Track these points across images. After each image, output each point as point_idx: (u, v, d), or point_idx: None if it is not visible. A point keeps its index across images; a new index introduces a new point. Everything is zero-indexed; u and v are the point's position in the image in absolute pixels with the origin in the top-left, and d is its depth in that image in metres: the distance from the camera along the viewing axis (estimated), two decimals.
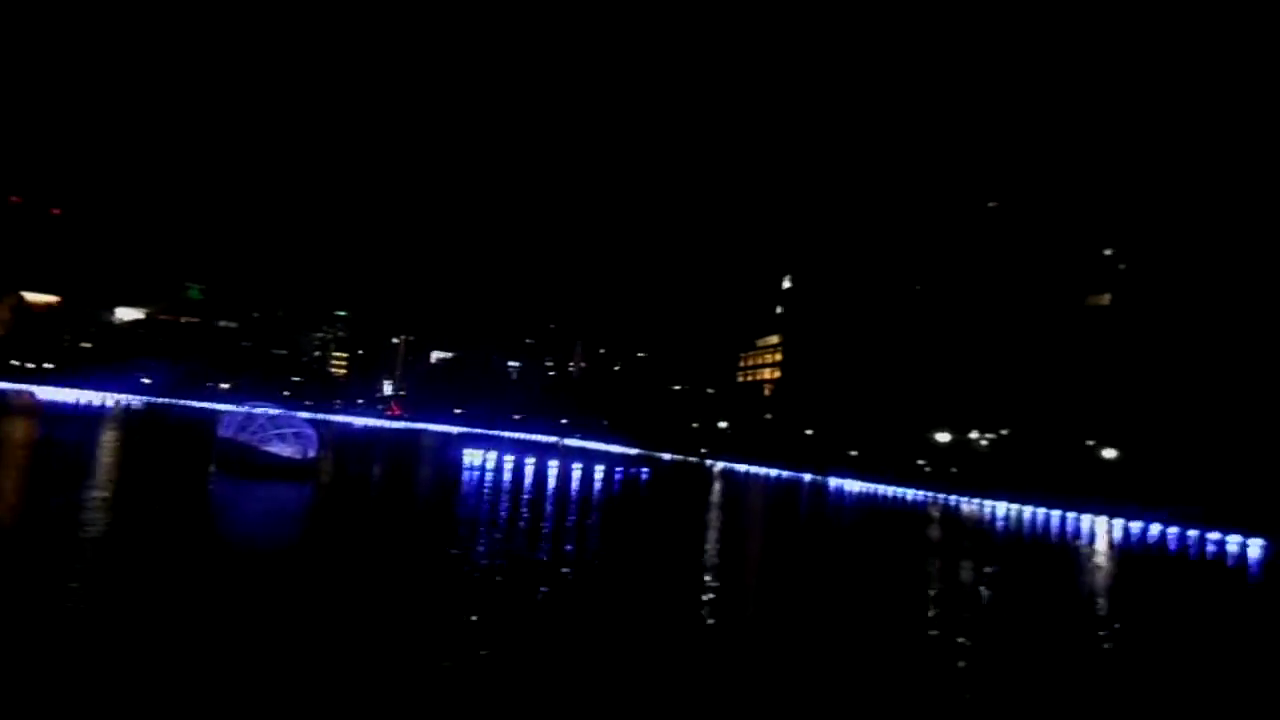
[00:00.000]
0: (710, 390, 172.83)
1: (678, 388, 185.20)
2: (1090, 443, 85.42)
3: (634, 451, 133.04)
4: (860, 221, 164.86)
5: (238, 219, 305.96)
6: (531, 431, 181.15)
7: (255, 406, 39.67)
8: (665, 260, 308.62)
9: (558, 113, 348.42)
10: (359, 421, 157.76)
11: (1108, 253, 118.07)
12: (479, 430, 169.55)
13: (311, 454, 37.45)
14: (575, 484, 46.30)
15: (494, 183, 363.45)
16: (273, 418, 38.36)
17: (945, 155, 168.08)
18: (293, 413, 41.41)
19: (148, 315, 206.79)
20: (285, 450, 37.13)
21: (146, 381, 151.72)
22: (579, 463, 65.79)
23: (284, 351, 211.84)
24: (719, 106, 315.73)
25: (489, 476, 45.75)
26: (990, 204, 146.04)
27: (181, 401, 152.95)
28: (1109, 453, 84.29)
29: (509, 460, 59.28)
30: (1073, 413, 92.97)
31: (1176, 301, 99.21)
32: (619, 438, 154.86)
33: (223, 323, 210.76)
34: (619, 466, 67.81)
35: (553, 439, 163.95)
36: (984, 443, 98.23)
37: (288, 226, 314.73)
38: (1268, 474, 68.91)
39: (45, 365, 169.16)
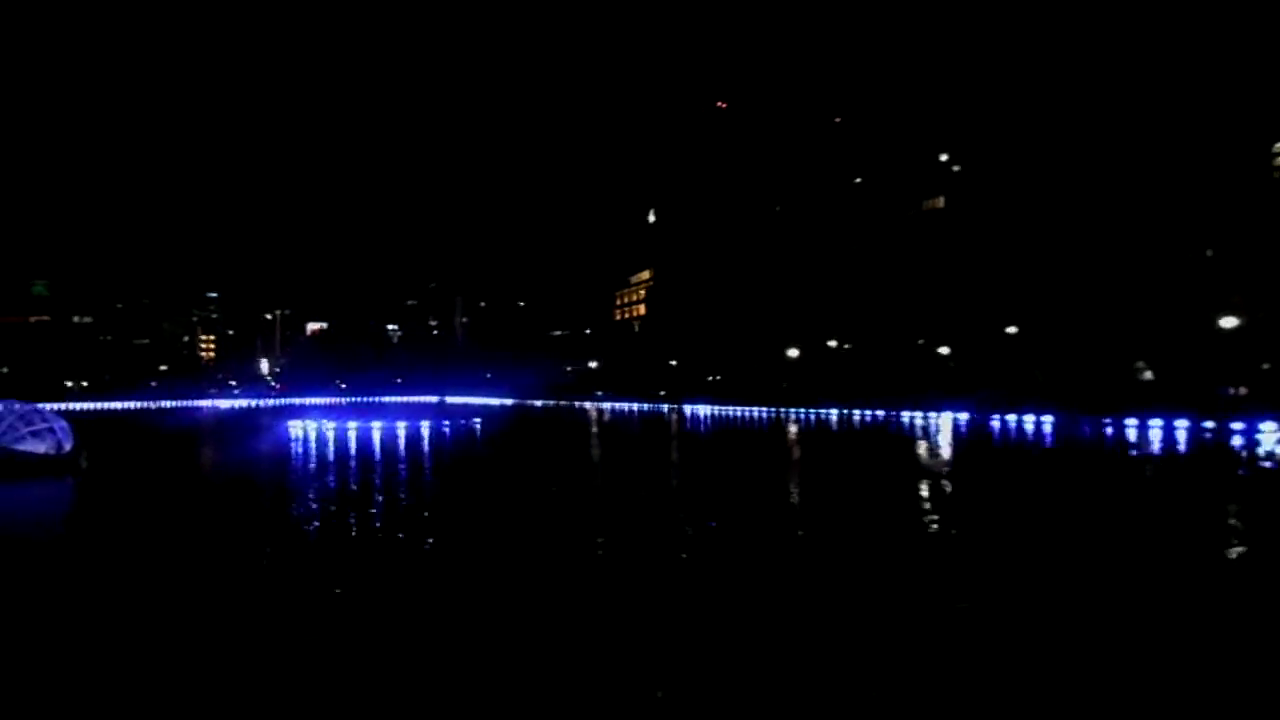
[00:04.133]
0: (588, 331, 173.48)
1: (557, 333, 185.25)
2: (921, 341, 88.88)
3: (510, 401, 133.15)
4: (720, 148, 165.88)
5: (85, 207, 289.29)
6: (415, 393, 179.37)
7: (2, 403, 38.06)
8: (539, 204, 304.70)
9: (417, 71, 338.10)
10: (225, 404, 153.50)
11: (943, 157, 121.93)
12: (361, 398, 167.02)
13: (68, 447, 36.40)
14: (385, 445, 46.07)
15: (358, 145, 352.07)
16: (22, 414, 36.96)
17: (793, 76, 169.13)
18: (41, 406, 39.93)
19: None
20: (39, 447, 36.00)
21: None
22: (424, 420, 65.34)
23: (147, 340, 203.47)
24: (572, 52, 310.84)
25: (292, 450, 45.08)
26: (836, 119, 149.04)
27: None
28: (943, 350, 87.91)
29: (337, 426, 58.46)
30: (912, 315, 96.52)
31: (1004, 201, 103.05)
32: (499, 389, 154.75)
33: (77, 318, 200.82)
34: (447, 420, 67.63)
35: (435, 398, 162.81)
36: (832, 354, 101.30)
37: (144, 210, 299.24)
38: (1080, 356, 73.15)
39: None
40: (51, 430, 36.43)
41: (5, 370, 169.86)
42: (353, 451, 41.70)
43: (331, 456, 39.52)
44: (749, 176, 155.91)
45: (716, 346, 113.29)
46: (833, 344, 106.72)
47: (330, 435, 52.30)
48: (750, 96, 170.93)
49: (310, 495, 26.27)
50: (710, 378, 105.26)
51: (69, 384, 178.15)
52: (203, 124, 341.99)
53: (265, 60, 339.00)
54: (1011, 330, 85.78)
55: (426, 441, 47.67)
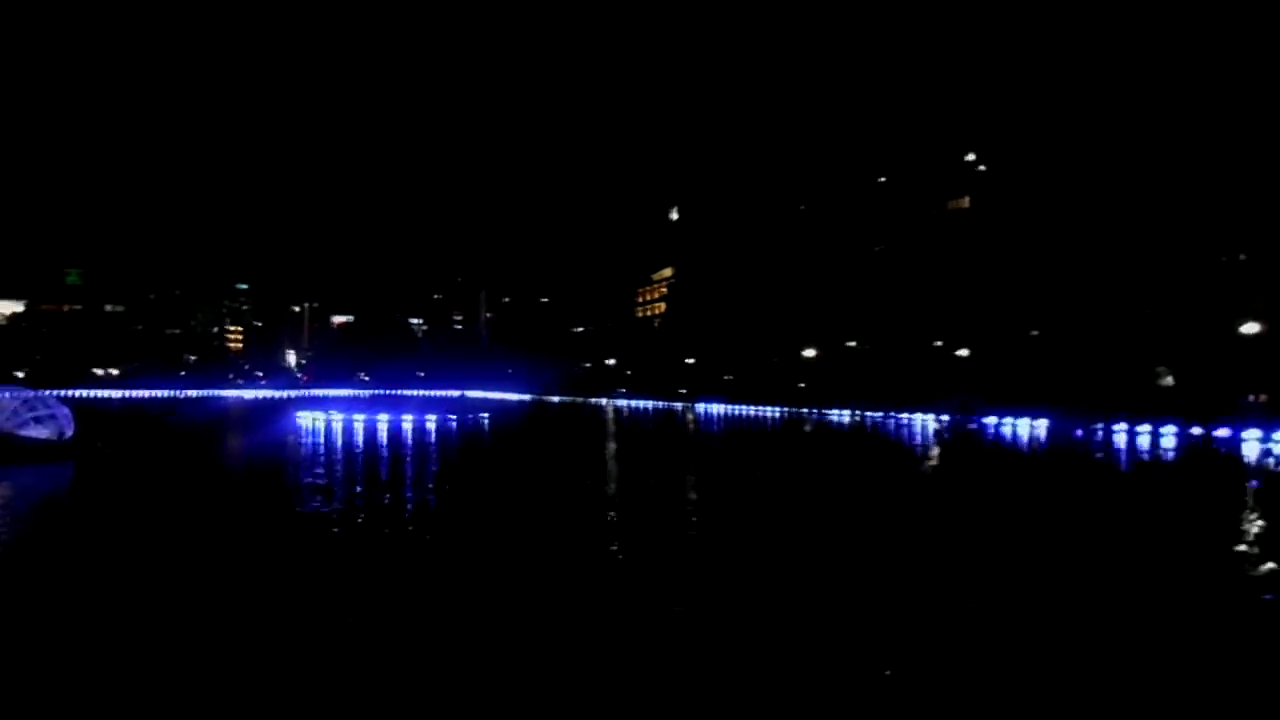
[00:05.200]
0: (609, 328, 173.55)
1: (579, 329, 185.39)
2: (939, 344, 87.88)
3: (528, 397, 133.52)
4: (744, 145, 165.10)
5: (121, 198, 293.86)
6: (437, 387, 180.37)
7: (4, 390, 38.61)
8: (564, 201, 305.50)
9: (447, 68, 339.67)
10: (250, 394, 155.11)
11: (969, 157, 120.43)
12: (383, 391, 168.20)
13: (68, 434, 36.82)
14: (391, 439, 46.28)
15: (388, 141, 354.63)
16: (25, 400, 37.44)
17: (820, 74, 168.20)
18: (44, 393, 40.52)
19: (27, 308, 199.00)
20: (42, 433, 36.45)
21: (19, 375, 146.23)
22: (432, 415, 65.46)
23: (177, 330, 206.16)
24: (598, 49, 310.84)
25: (299, 442, 45.39)
26: (862, 118, 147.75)
27: (63, 392, 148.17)
28: (962, 352, 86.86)
29: (341, 418, 58.79)
30: (932, 317, 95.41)
31: (1030, 202, 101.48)
32: (519, 385, 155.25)
33: (109, 307, 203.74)
34: (455, 415, 67.73)
35: (456, 393, 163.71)
36: (849, 355, 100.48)
37: (178, 202, 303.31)
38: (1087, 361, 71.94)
39: None
40: (54, 417, 36.86)
41: (38, 357, 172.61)
42: (357, 443, 41.93)
43: (331, 448, 39.76)
44: (773, 175, 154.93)
45: (735, 346, 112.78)
46: (852, 345, 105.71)
47: (339, 427, 52.61)
48: (776, 94, 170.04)
49: (298, 486, 26.34)
50: (726, 377, 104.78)
51: (98, 371, 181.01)
52: (239, 119, 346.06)
53: (301, 57, 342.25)
54: (1034, 333, 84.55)
55: (430, 436, 47.78)
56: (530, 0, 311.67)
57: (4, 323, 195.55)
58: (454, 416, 64.61)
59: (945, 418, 64.98)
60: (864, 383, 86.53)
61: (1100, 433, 48.55)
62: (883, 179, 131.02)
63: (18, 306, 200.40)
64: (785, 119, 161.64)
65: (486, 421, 61.90)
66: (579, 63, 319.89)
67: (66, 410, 37.61)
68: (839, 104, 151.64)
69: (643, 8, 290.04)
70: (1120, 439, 44.90)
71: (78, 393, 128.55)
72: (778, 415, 77.02)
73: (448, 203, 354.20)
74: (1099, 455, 37.95)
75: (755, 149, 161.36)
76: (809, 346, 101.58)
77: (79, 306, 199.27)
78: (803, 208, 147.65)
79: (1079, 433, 48.94)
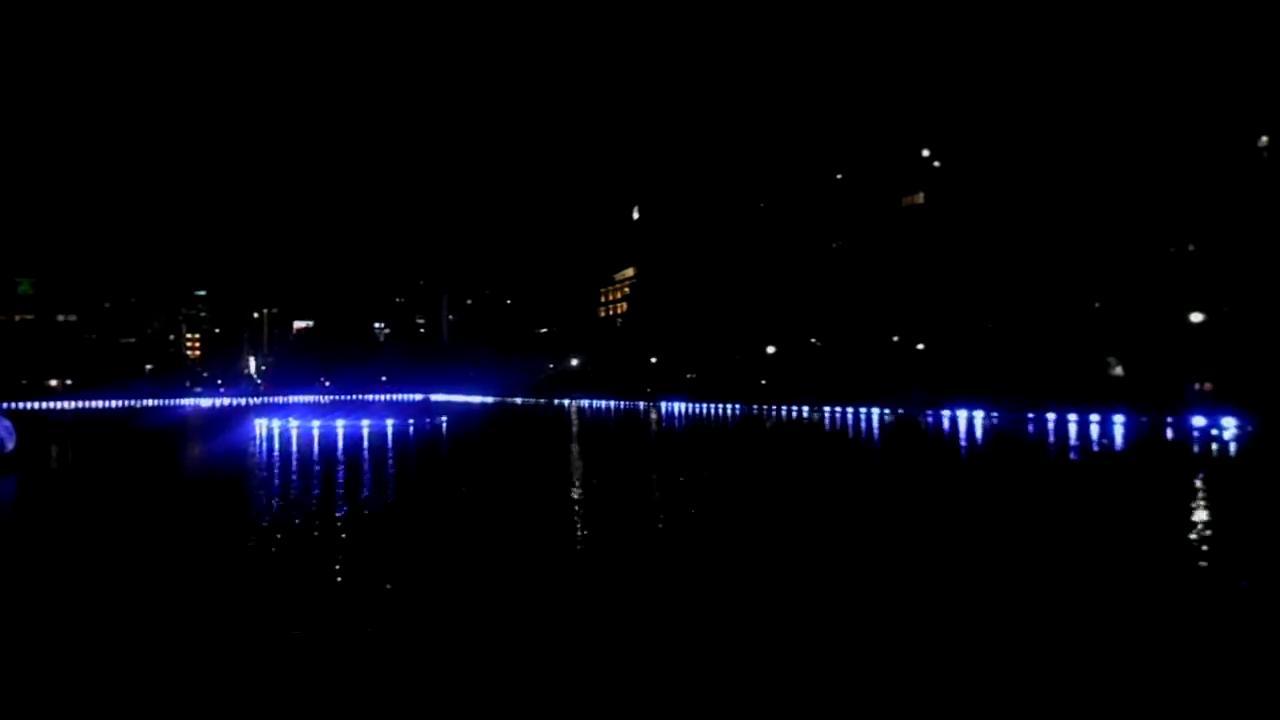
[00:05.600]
0: (573, 329, 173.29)
1: (543, 330, 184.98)
2: (896, 338, 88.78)
3: (491, 399, 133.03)
4: (705, 144, 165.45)
5: (73, 206, 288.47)
6: (400, 391, 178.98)
7: None
8: (526, 201, 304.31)
9: (404, 71, 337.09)
10: (208, 403, 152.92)
11: (924, 153, 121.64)
12: (344, 396, 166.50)
13: (9, 446, 36.07)
14: (345, 442, 45.87)
15: (346, 144, 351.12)
16: None
17: (777, 71, 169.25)
18: None
19: None
20: None
21: None
22: (390, 419, 64.93)
23: (133, 339, 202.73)
24: (556, 50, 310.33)
25: (248, 450, 44.86)
26: (820, 114, 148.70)
27: (15, 404, 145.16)
28: (920, 346, 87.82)
29: (298, 425, 58.16)
30: (890, 311, 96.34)
31: (984, 196, 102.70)
32: (483, 386, 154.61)
33: (62, 317, 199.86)
34: (413, 419, 67.26)
35: (419, 396, 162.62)
36: (810, 351, 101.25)
37: (132, 209, 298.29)
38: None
39: None
40: None
41: None
42: (311, 450, 41.52)
43: (282, 455, 39.33)
44: (733, 173, 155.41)
45: (697, 344, 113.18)
46: (813, 341, 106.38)
47: (294, 433, 52.04)
48: (735, 93, 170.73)
49: (234, 495, 26.02)
50: (688, 375, 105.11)
51: (52, 382, 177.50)
52: (191, 124, 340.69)
53: (253, 61, 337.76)
54: (989, 326, 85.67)
55: (385, 441, 47.43)
56: (487, 1, 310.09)
57: None
58: (411, 420, 64.12)
59: (900, 410, 65.69)
60: (824, 378, 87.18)
61: (1052, 422, 49.34)
62: (840, 175, 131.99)
63: None
64: (744, 118, 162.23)
65: (444, 425, 61.52)
66: (539, 64, 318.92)
67: (8, 423, 36.83)
68: (797, 102, 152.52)
69: (602, 8, 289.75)
70: (1072, 428, 45.66)
71: (30, 404, 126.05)
72: (738, 412, 77.41)
73: (408, 205, 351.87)
74: (1050, 443, 38.57)
75: (715, 148, 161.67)
76: (770, 343, 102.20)
77: (30, 316, 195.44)
78: (762, 205, 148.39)
79: (1031, 423, 49.70)
